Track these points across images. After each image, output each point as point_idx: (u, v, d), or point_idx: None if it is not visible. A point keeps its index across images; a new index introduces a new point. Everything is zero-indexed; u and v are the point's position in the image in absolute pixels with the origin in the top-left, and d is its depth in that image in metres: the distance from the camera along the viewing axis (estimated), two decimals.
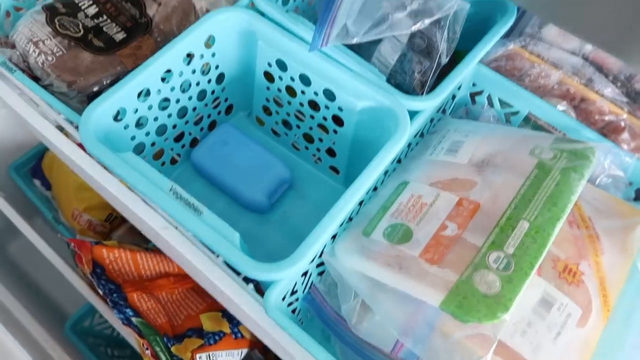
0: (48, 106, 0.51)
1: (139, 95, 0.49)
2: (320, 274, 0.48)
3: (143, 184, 0.42)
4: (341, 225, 0.45)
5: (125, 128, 0.50)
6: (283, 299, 0.43)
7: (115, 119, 0.48)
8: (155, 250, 0.66)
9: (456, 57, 0.50)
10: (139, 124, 0.51)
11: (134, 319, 0.56)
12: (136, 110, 0.50)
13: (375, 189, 0.50)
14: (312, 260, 0.44)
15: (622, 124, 0.55)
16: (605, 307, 0.41)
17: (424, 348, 0.37)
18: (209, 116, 0.59)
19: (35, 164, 0.85)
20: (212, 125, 0.60)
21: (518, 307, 0.36)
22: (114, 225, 0.81)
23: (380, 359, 0.41)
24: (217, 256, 0.44)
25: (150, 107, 0.51)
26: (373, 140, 0.50)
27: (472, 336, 0.37)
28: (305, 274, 0.45)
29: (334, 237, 0.45)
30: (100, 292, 0.57)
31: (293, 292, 0.44)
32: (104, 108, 0.46)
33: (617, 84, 0.59)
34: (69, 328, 0.71)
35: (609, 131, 0.55)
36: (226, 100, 0.60)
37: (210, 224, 0.40)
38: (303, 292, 0.47)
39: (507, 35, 0.61)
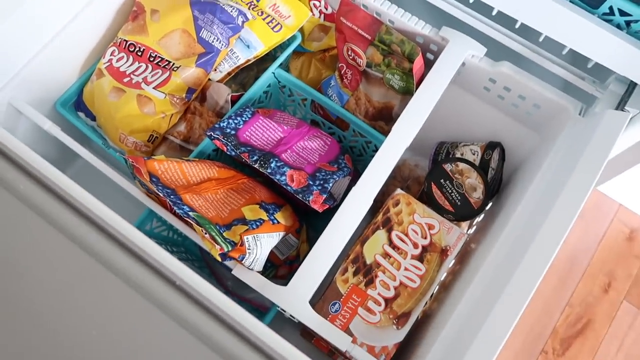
0: None
1: None
2: None
3: None
4: None
5: None
6: None
7: None
8: (196, 160, 0.75)
9: None
10: None
11: (191, 213, 0.65)
12: None
13: None
14: None
15: None
16: None
17: None
18: None
19: (77, 98, 0.88)
20: None
21: None
22: (155, 145, 0.87)
23: None
24: None
25: None
26: None
27: None
28: None
29: None
30: (161, 195, 0.66)
31: None
32: None
33: None
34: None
35: None
36: None
37: None
38: None
39: None
